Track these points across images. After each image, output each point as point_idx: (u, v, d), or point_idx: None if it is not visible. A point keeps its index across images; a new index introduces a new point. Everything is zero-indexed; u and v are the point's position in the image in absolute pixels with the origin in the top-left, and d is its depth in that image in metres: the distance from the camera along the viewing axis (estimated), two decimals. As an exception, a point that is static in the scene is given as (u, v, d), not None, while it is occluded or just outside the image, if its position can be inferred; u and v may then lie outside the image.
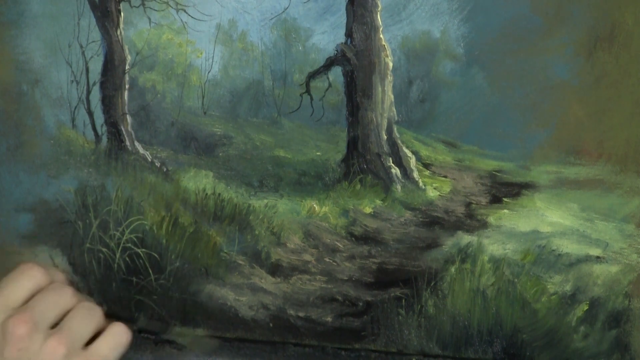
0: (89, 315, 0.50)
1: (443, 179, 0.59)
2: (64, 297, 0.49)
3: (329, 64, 0.58)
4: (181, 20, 0.58)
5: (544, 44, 0.54)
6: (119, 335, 0.51)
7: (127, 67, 0.60)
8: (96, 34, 0.60)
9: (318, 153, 0.60)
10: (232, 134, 0.61)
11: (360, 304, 0.61)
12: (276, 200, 0.61)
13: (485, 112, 0.56)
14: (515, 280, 0.58)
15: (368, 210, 0.60)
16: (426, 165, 0.59)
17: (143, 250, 0.62)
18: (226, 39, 0.58)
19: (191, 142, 0.61)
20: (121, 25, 0.59)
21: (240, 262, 0.62)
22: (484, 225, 0.58)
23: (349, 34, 0.57)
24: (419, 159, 0.59)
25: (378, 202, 0.60)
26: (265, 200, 0.61)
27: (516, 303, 0.58)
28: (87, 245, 0.63)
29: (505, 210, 0.58)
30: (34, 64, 0.61)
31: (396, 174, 0.59)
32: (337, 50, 0.57)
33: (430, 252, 0.59)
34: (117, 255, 0.62)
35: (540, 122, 0.55)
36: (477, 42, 0.55)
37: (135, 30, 0.59)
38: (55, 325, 0.48)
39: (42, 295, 0.48)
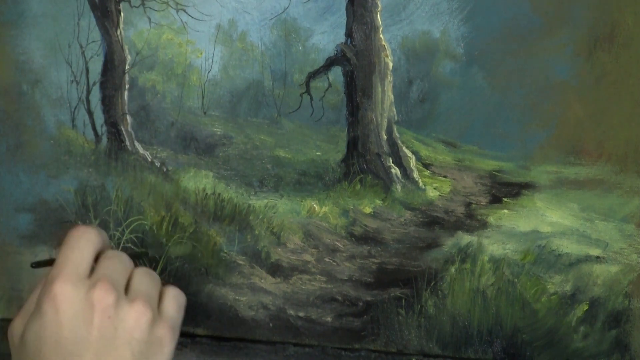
0: (152, 278, 0.49)
1: (443, 179, 0.59)
2: (124, 261, 0.49)
3: (329, 64, 0.58)
4: (181, 20, 0.58)
5: (544, 44, 0.54)
6: (179, 297, 0.51)
7: (127, 67, 0.60)
8: (96, 34, 0.60)
9: (318, 153, 0.60)
10: (232, 134, 0.61)
11: (360, 304, 0.61)
12: (276, 200, 0.61)
13: (485, 112, 0.56)
14: (515, 280, 0.58)
15: (368, 210, 0.60)
16: (426, 165, 0.59)
17: (143, 250, 0.62)
18: (226, 39, 0.58)
19: (191, 142, 0.61)
20: (121, 25, 0.59)
21: (240, 262, 0.62)
22: (484, 225, 0.58)
23: (349, 34, 0.57)
24: (419, 159, 0.59)
25: (378, 202, 0.60)
26: (265, 200, 0.61)
27: (516, 303, 0.58)
28: (87, 245, 0.63)
29: (505, 210, 0.58)
30: (34, 64, 0.61)
31: (396, 174, 0.59)
32: (337, 50, 0.57)
33: (430, 252, 0.59)
34: (117, 255, 0.62)
35: (540, 122, 0.55)
36: (477, 42, 0.55)
37: (135, 30, 0.59)
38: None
39: (109, 262, 0.48)
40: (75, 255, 0.47)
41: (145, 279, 0.49)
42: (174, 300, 0.50)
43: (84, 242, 0.47)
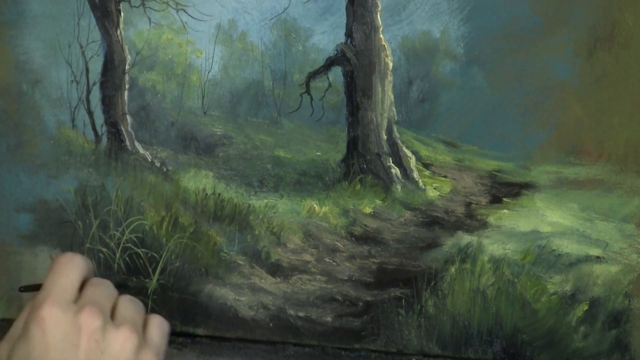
0: (137, 306, 0.51)
1: (443, 179, 0.59)
2: (109, 289, 0.50)
3: (329, 64, 0.58)
4: (181, 20, 0.58)
5: (544, 44, 0.54)
6: (163, 324, 0.52)
7: (127, 67, 0.60)
8: (96, 34, 0.60)
9: (318, 153, 0.60)
10: (232, 134, 0.61)
11: (360, 304, 0.61)
12: (276, 200, 0.61)
13: (485, 112, 0.56)
14: (515, 280, 0.58)
15: (368, 210, 0.60)
16: (426, 165, 0.59)
17: (143, 250, 0.62)
18: (226, 39, 0.58)
19: (191, 142, 0.61)
20: (121, 25, 0.59)
21: (240, 262, 0.62)
22: (484, 225, 0.58)
23: (349, 34, 0.57)
24: (419, 159, 0.59)
25: (378, 202, 0.60)
26: (265, 200, 0.61)
27: (516, 303, 0.58)
28: (87, 245, 0.63)
29: (505, 210, 0.58)
30: (34, 64, 0.61)
31: (396, 174, 0.59)
32: (337, 50, 0.57)
33: (430, 252, 0.59)
34: (117, 255, 0.62)
35: (540, 122, 0.55)
36: (477, 42, 0.55)
37: (135, 30, 0.59)
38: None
39: (95, 288, 0.49)
40: (62, 281, 0.47)
41: (130, 306, 0.50)
42: (158, 327, 0.51)
43: (70, 268, 0.48)
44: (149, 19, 0.59)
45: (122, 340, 0.46)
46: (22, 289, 0.54)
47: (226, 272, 0.62)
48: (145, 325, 0.50)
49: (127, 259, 0.62)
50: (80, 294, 0.48)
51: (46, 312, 0.45)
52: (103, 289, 0.49)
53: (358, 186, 0.60)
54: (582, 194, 0.56)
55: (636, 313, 0.57)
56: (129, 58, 0.60)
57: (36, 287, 0.49)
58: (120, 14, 0.59)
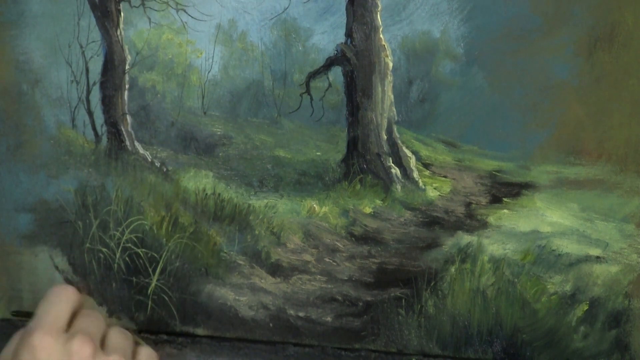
0: (126, 337, 0.52)
1: (443, 179, 0.59)
2: (100, 320, 0.51)
3: (329, 64, 0.58)
4: (181, 20, 0.58)
5: (544, 44, 0.54)
6: (152, 356, 0.53)
7: (127, 67, 0.60)
8: (96, 34, 0.60)
9: (318, 153, 0.60)
10: (232, 134, 0.61)
11: (360, 304, 0.61)
12: (276, 200, 0.61)
13: (485, 112, 0.56)
14: (515, 280, 0.58)
15: (368, 210, 0.60)
16: (426, 165, 0.59)
17: (143, 250, 0.62)
18: (226, 39, 0.58)
19: (191, 142, 0.61)
20: (121, 25, 0.59)
21: (240, 262, 0.62)
22: (484, 225, 0.58)
23: (349, 34, 0.57)
24: (419, 159, 0.59)
25: (378, 202, 0.60)
26: (265, 200, 0.61)
27: (516, 303, 0.58)
28: (87, 245, 0.63)
29: (505, 210, 0.58)
30: (34, 64, 0.61)
31: (396, 174, 0.59)
32: (337, 50, 0.57)
33: (430, 252, 0.59)
34: (117, 255, 0.62)
35: (540, 122, 0.55)
36: (477, 42, 0.55)
37: (135, 30, 0.59)
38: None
39: (86, 318, 0.50)
40: (54, 310, 0.48)
41: (119, 336, 0.51)
42: (148, 358, 0.52)
43: (62, 299, 0.50)
44: (149, 19, 0.59)
45: None
46: (14, 314, 0.55)
47: (226, 272, 0.62)
48: (134, 355, 0.52)
49: (127, 259, 0.62)
50: (72, 324, 0.49)
51: (37, 340, 0.45)
52: (93, 320, 0.50)
53: (358, 186, 0.60)
54: (582, 194, 0.56)
55: (636, 313, 0.57)
56: (129, 58, 0.60)
57: (28, 315, 0.49)
58: (120, 14, 0.59)
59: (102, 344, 0.49)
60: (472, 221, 0.59)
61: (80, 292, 0.52)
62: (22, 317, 0.53)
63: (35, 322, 0.47)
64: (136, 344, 0.54)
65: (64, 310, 0.49)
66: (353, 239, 0.61)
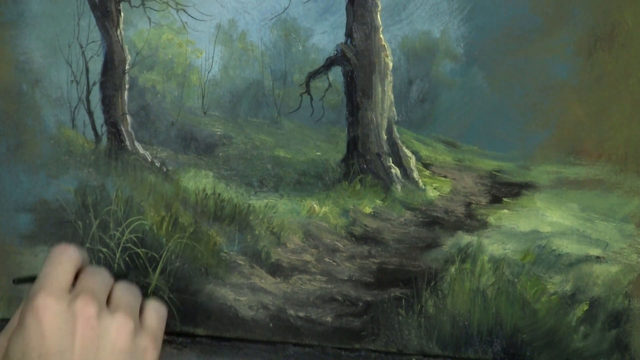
0: (133, 291, 0.51)
1: (443, 179, 0.59)
2: (105, 276, 0.50)
3: (329, 64, 0.58)
4: (181, 20, 0.58)
5: (544, 44, 0.54)
6: (160, 309, 0.52)
7: (127, 67, 0.60)
8: (96, 34, 0.60)
9: (318, 153, 0.60)
10: (232, 134, 0.61)
11: (360, 304, 0.61)
12: (276, 200, 0.61)
13: (485, 112, 0.56)
14: (515, 280, 0.58)
15: (368, 210, 0.60)
16: (426, 165, 0.59)
17: (143, 250, 0.62)
18: (226, 39, 0.58)
19: (191, 142, 0.61)
20: (121, 25, 0.59)
21: (240, 262, 0.62)
22: (484, 225, 0.58)
23: (349, 34, 0.57)
24: (419, 159, 0.59)
25: (378, 202, 0.60)
26: (265, 200, 0.61)
27: (516, 303, 0.58)
28: (87, 245, 0.63)
29: (505, 210, 0.58)
30: (34, 64, 0.61)
31: (396, 174, 0.59)
32: (337, 50, 0.57)
33: (430, 252, 0.59)
34: (117, 255, 0.62)
35: (540, 122, 0.55)
36: (477, 42, 0.55)
37: (135, 30, 0.59)
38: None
39: (90, 277, 0.49)
40: (56, 271, 0.47)
41: (126, 292, 0.50)
42: (155, 312, 0.51)
43: (64, 258, 0.48)
44: (149, 19, 0.59)
45: (117, 326, 0.46)
46: (16, 281, 0.53)
47: (226, 272, 0.62)
48: (141, 310, 0.50)
49: (127, 259, 0.62)
50: (75, 283, 0.48)
51: (41, 302, 0.45)
52: (98, 277, 0.49)
53: (358, 186, 0.60)
54: (582, 194, 0.56)
55: (636, 313, 0.57)
56: (129, 58, 0.60)
57: (31, 279, 0.49)
58: (120, 14, 0.59)
59: (109, 300, 0.48)
60: (472, 221, 0.59)
61: (81, 252, 0.50)
62: (25, 283, 0.52)
63: (38, 285, 0.46)
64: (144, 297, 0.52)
65: (66, 271, 0.48)
66: (353, 239, 0.61)
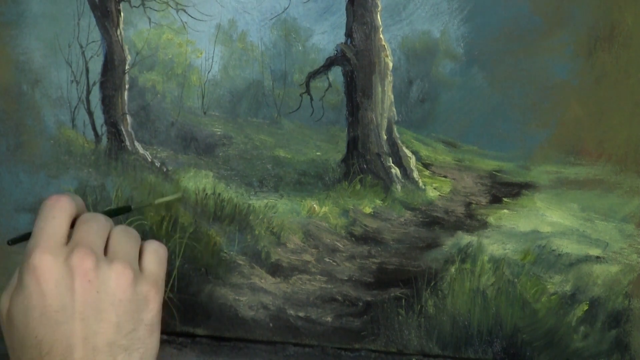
0: (130, 235, 0.49)
1: (443, 179, 0.59)
2: (101, 223, 0.48)
3: (329, 64, 0.58)
4: (181, 20, 0.58)
5: (544, 44, 0.54)
6: (159, 250, 0.50)
7: (127, 67, 0.60)
8: (96, 34, 0.60)
9: (318, 153, 0.60)
10: (232, 134, 0.61)
11: (360, 304, 0.61)
12: (276, 200, 0.61)
13: (485, 112, 0.56)
14: (515, 280, 0.58)
15: (368, 210, 0.60)
16: (426, 165, 0.59)
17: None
18: (226, 39, 0.58)
19: (191, 142, 0.61)
20: (121, 25, 0.59)
21: (240, 262, 0.62)
22: (484, 225, 0.58)
23: (349, 34, 0.57)
24: (419, 159, 0.59)
25: (378, 202, 0.60)
26: (265, 200, 0.61)
27: (516, 303, 0.58)
28: (87, 245, 0.63)
29: (505, 210, 0.58)
30: (34, 64, 0.61)
31: (396, 174, 0.59)
32: (337, 50, 0.57)
33: (430, 252, 0.59)
34: (117, 255, 0.62)
35: (540, 122, 0.55)
36: (477, 42, 0.55)
37: (135, 30, 0.59)
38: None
39: (86, 226, 0.47)
40: (50, 225, 0.46)
41: (123, 237, 0.48)
42: (154, 254, 0.49)
43: (57, 210, 0.47)
44: (149, 19, 0.59)
45: (116, 276, 0.45)
46: (10, 242, 0.51)
47: (226, 272, 0.62)
48: (141, 253, 0.49)
49: (127, 259, 0.62)
50: (71, 233, 0.47)
51: (37, 260, 0.44)
52: (94, 225, 0.47)
53: (358, 186, 0.60)
54: (582, 194, 0.56)
55: (636, 313, 0.57)
56: (129, 58, 0.60)
57: (26, 237, 0.47)
58: (120, 14, 0.59)
59: (106, 248, 0.47)
60: (472, 221, 0.59)
61: (75, 199, 0.49)
62: (20, 242, 0.50)
63: (34, 242, 0.45)
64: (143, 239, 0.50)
65: (60, 224, 0.46)
66: (353, 239, 0.61)
